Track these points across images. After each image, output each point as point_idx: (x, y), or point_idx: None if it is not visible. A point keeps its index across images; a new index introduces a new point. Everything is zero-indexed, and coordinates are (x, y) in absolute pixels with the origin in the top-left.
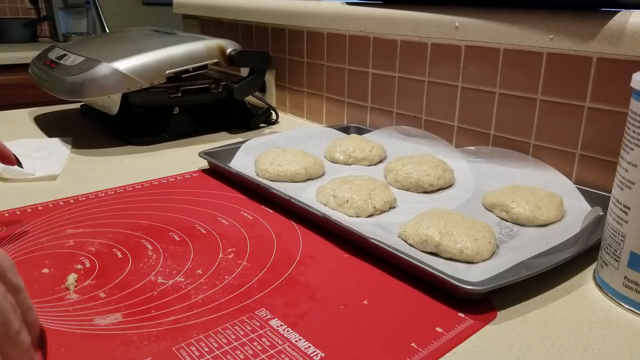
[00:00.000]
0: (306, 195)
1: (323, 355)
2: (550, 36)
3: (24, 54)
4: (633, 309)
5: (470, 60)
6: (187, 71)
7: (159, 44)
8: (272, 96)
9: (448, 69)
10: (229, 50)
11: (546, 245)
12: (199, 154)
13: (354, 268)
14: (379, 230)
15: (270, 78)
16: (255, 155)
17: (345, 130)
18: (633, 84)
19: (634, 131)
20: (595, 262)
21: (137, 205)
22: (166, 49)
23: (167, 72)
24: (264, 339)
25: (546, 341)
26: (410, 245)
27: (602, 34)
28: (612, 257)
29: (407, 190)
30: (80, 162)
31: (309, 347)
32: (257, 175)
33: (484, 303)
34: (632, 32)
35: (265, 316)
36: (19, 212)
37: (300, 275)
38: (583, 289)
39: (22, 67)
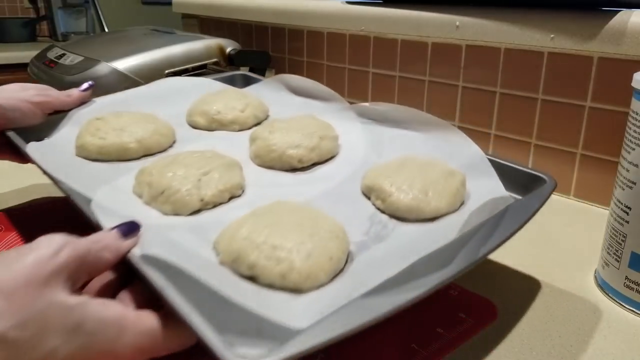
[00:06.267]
0: (124, 181)
1: (323, 355)
2: (551, 35)
3: (23, 54)
4: (634, 310)
5: (471, 59)
6: (186, 70)
7: (158, 43)
8: None
9: (449, 68)
10: (228, 50)
11: (407, 261)
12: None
13: None
14: (189, 238)
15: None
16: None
17: (231, 79)
18: (634, 84)
19: (635, 131)
20: (597, 262)
21: None
22: (165, 48)
23: (167, 71)
24: None
25: (546, 341)
26: (222, 264)
27: (603, 33)
28: (613, 258)
29: (271, 168)
30: None
31: None
32: (77, 154)
33: (484, 303)
34: (633, 32)
35: None
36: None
37: None
38: (584, 289)
39: (22, 66)
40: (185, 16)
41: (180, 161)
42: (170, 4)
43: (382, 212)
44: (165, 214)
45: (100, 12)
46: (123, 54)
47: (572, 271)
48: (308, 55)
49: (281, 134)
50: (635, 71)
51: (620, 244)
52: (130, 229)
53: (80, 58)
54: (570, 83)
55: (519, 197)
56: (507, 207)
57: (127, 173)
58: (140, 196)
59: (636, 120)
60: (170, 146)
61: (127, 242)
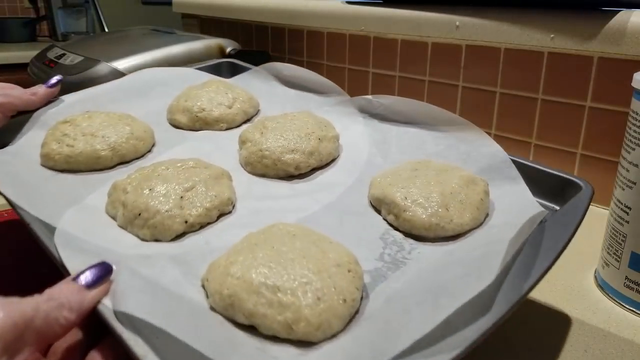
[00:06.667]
0: (95, 198)
1: None
2: (551, 35)
3: (23, 54)
4: (634, 310)
5: (471, 59)
6: None
7: (158, 43)
8: None
9: (449, 68)
10: (228, 50)
11: (438, 308)
12: None
13: None
14: (173, 274)
15: None
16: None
17: (217, 68)
18: (634, 84)
19: (635, 131)
20: (597, 262)
21: None
22: (165, 48)
23: None
24: None
25: (547, 342)
26: (212, 308)
27: (603, 33)
28: (613, 258)
29: (264, 175)
30: None
31: None
32: (42, 164)
33: None
34: (633, 32)
35: None
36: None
37: None
38: (584, 289)
39: (22, 66)
40: (185, 16)
41: (159, 174)
42: (170, 4)
43: (396, 228)
44: (144, 239)
45: (100, 12)
46: (123, 54)
47: (572, 271)
48: (308, 55)
49: (274, 136)
50: (635, 71)
51: (620, 244)
52: (97, 276)
53: (80, 58)
54: (570, 83)
55: (548, 203)
56: (543, 226)
57: (100, 186)
58: (114, 217)
59: (636, 120)
60: (149, 151)
61: (93, 294)
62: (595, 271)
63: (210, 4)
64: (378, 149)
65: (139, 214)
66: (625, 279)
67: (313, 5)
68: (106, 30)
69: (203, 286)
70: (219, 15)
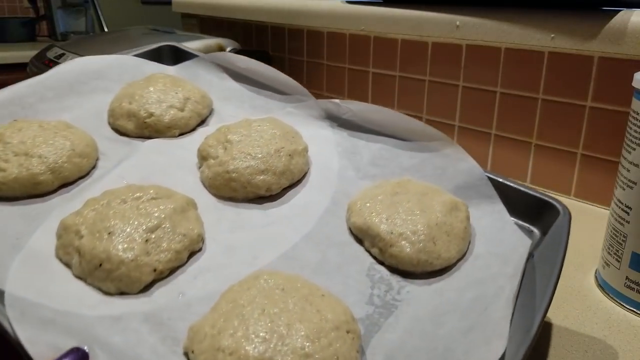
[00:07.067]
0: (41, 238)
1: None
2: (552, 35)
3: (22, 54)
4: (634, 310)
5: (471, 59)
6: None
7: (158, 43)
8: None
9: (449, 68)
10: (228, 49)
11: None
12: None
13: None
14: (151, 342)
15: None
16: None
17: (157, 54)
18: (635, 84)
19: (635, 131)
20: (597, 262)
21: None
22: None
23: None
24: None
25: (547, 342)
26: None
27: (603, 33)
28: (613, 258)
29: (232, 199)
30: None
31: None
32: None
33: None
34: (633, 31)
35: None
36: None
37: None
38: (584, 289)
39: (21, 66)
40: (185, 16)
41: (116, 210)
42: (170, 3)
43: (381, 262)
44: (108, 293)
45: (100, 12)
46: (123, 54)
47: (572, 271)
48: (308, 55)
49: (241, 154)
50: (636, 71)
51: (621, 244)
52: None
53: None
54: (570, 83)
55: (524, 224)
56: (532, 264)
57: (44, 220)
58: (67, 264)
59: (636, 120)
60: (94, 166)
61: None
62: (596, 271)
63: (210, 3)
64: (349, 160)
65: (100, 265)
66: (626, 279)
67: (313, 5)
68: (106, 30)
69: (186, 354)
70: (219, 15)
